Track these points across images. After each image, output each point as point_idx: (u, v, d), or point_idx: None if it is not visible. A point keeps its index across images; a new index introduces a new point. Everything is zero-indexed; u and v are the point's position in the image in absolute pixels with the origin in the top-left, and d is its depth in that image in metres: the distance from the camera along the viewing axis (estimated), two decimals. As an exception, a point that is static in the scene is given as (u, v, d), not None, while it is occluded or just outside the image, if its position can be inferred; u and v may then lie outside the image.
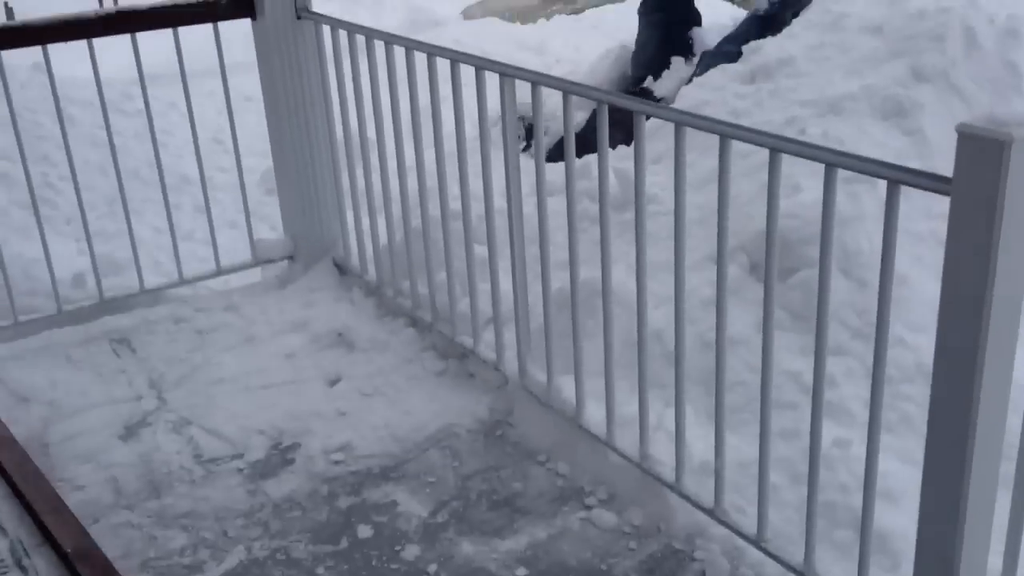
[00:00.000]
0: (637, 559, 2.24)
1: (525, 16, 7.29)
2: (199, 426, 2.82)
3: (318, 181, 3.51)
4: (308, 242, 3.58)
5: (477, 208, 2.80)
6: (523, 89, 2.48)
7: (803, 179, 2.63)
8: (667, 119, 2.17)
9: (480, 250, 2.84)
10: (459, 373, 2.96)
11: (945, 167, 1.58)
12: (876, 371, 1.79)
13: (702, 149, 2.95)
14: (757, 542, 2.09)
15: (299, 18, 3.33)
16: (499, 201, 2.69)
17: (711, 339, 2.25)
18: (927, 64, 2.81)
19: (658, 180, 3.01)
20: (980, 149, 1.49)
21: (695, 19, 5.07)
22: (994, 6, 2.97)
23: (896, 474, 2.12)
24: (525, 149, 4.52)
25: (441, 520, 2.41)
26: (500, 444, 2.68)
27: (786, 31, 3.40)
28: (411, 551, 2.31)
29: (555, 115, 2.99)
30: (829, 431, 2.13)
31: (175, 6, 3.25)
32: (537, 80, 2.45)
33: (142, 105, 3.34)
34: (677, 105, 3.38)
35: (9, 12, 7.43)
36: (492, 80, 2.55)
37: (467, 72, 2.61)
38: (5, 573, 2.12)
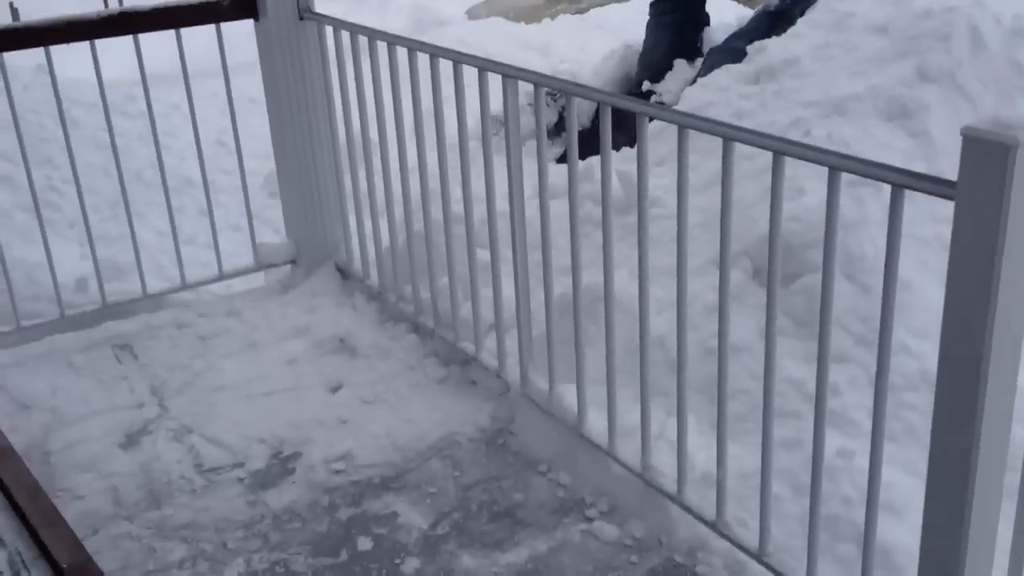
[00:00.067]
0: (638, 573, 2.22)
1: (530, 16, 7.26)
2: (200, 434, 2.80)
3: (320, 184, 3.49)
4: (310, 246, 3.56)
5: (479, 211, 2.78)
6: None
7: (807, 182, 2.60)
8: (670, 121, 2.14)
9: (482, 254, 2.82)
10: (461, 380, 2.93)
11: (950, 169, 1.55)
12: (879, 379, 1.76)
13: (706, 151, 2.92)
14: (759, 556, 2.06)
15: (302, 19, 3.31)
16: (501, 204, 2.67)
17: (713, 346, 2.23)
18: (933, 64, 2.77)
19: (661, 183, 2.98)
20: (985, 153, 1.46)
21: (705, 20, 5.02)
22: (1000, 6, 2.93)
23: (899, 486, 2.09)
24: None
25: (441, 532, 2.39)
26: (501, 453, 2.66)
27: (791, 31, 3.36)
28: (411, 564, 2.29)
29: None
30: (832, 441, 2.10)
31: (177, 7, 3.24)
32: (539, 82, 2.43)
33: (145, 107, 3.33)
34: (681, 106, 3.35)
35: (14, 12, 7.44)
36: (495, 81, 2.53)
37: (470, 73, 2.59)
38: (2, 586, 2.11)
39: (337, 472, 2.62)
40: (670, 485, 2.27)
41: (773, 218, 1.88)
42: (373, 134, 3.13)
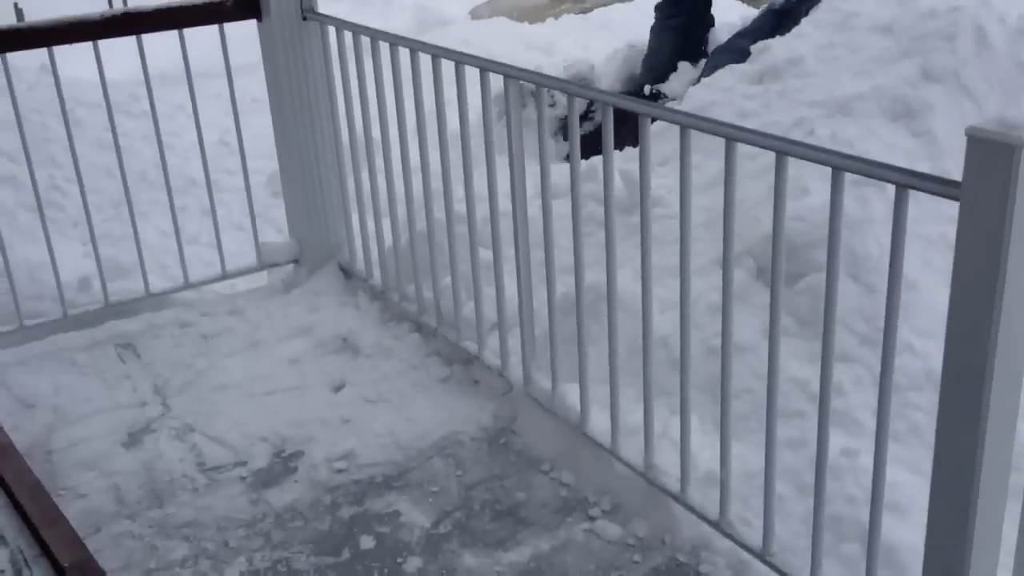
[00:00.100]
0: (641, 572, 2.21)
1: (533, 15, 7.25)
2: (202, 433, 2.80)
3: (323, 184, 3.49)
4: (313, 246, 3.56)
5: (482, 211, 2.77)
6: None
7: (811, 181, 2.59)
8: (672, 121, 2.14)
9: (484, 253, 2.82)
10: (464, 379, 2.93)
11: (955, 168, 1.55)
12: (884, 379, 1.75)
13: (709, 151, 2.92)
14: (762, 556, 2.05)
15: (305, 19, 3.32)
16: (504, 203, 2.66)
17: (717, 345, 2.22)
18: (937, 64, 2.76)
19: (665, 182, 2.98)
20: (990, 153, 1.46)
21: (710, 22, 5.01)
22: (1005, 5, 2.92)
23: (904, 485, 2.08)
24: None
25: (444, 531, 2.39)
26: (504, 452, 2.65)
27: (795, 31, 3.35)
28: (413, 563, 2.28)
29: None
30: (836, 440, 2.09)
31: (180, 8, 3.24)
32: (541, 82, 2.43)
33: (149, 107, 3.33)
34: (684, 106, 3.34)
35: (19, 13, 7.44)
36: (497, 81, 2.53)
37: (472, 73, 2.59)
38: (4, 584, 2.11)
39: (339, 471, 2.61)
40: (673, 484, 2.26)
41: (776, 218, 1.87)
42: (376, 134, 3.13)
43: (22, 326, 3.24)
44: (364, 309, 3.33)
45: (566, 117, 4.84)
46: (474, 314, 2.85)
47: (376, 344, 3.12)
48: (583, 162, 3.09)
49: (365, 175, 3.25)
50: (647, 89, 4.77)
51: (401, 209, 3.12)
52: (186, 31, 3.26)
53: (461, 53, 2.66)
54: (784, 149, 1.86)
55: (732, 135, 1.95)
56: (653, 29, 4.98)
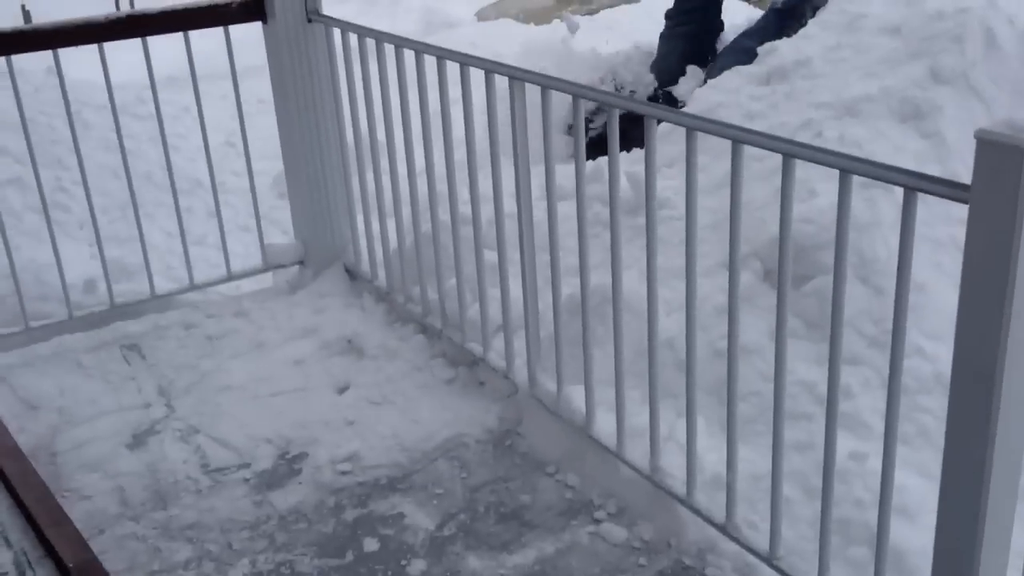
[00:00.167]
0: (647, 576, 2.21)
1: (539, 17, 7.25)
2: (207, 435, 2.80)
3: (329, 185, 3.49)
4: (319, 247, 3.56)
5: (487, 212, 2.77)
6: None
7: (819, 183, 2.58)
8: (678, 124, 2.13)
9: (490, 255, 2.81)
10: (469, 381, 2.92)
11: (964, 170, 1.54)
12: (892, 382, 1.74)
13: (716, 153, 2.90)
14: (769, 559, 2.04)
15: (310, 21, 3.31)
16: (509, 205, 2.65)
17: (723, 347, 2.21)
18: (946, 66, 2.75)
19: (671, 184, 2.97)
20: (1000, 156, 1.45)
21: (720, 27, 5.00)
22: (1014, 7, 2.91)
23: (913, 489, 2.07)
24: None
25: (448, 533, 2.38)
26: (509, 454, 2.65)
27: (802, 32, 3.34)
28: (417, 566, 2.27)
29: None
30: (844, 443, 2.08)
31: (185, 10, 3.24)
32: (547, 84, 2.42)
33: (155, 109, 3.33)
34: (691, 107, 3.33)
35: (26, 15, 7.46)
36: (502, 83, 2.52)
37: (477, 75, 2.58)
38: (8, 586, 2.11)
39: (343, 473, 2.61)
40: (679, 487, 2.25)
41: (783, 220, 1.86)
42: (381, 136, 3.13)
43: (27, 327, 3.24)
44: (369, 311, 3.33)
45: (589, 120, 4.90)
46: (479, 316, 2.84)
47: (381, 346, 3.12)
48: (589, 163, 3.08)
49: (370, 176, 3.24)
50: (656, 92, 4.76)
51: (406, 211, 3.12)
52: (194, 34, 3.26)
53: (466, 55, 2.65)
54: (791, 151, 1.84)
55: (739, 137, 1.94)
56: (662, 36, 4.98)
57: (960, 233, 1.59)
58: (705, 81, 4.01)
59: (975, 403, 1.54)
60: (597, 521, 2.37)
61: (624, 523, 2.35)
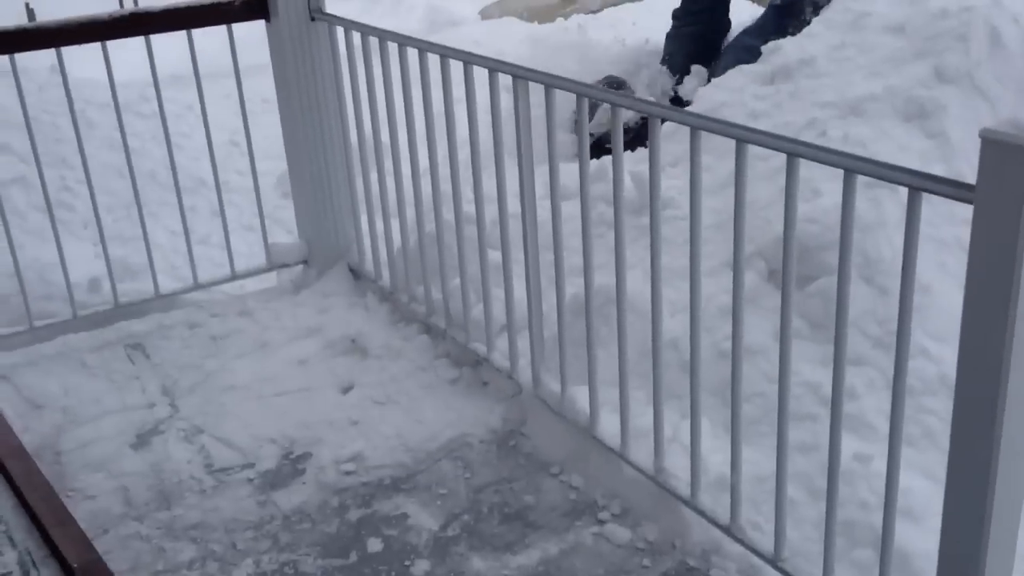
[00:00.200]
0: (651, 576, 2.20)
1: (543, 16, 7.23)
2: (211, 435, 2.80)
3: (332, 184, 3.48)
4: (323, 246, 3.55)
5: (491, 212, 2.76)
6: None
7: (823, 183, 2.57)
8: (682, 123, 2.12)
9: (494, 255, 2.81)
10: (473, 381, 2.92)
11: (969, 170, 1.53)
12: (897, 383, 1.73)
13: (720, 152, 2.89)
14: (774, 561, 2.04)
15: (313, 19, 3.31)
16: (513, 205, 2.65)
17: (727, 348, 2.21)
18: (950, 65, 2.74)
19: (676, 184, 2.96)
20: (1005, 155, 1.44)
21: (726, 27, 4.99)
22: (1019, 5, 2.89)
23: (918, 491, 2.06)
24: None
25: (452, 534, 2.38)
26: (513, 455, 2.64)
27: (806, 31, 3.33)
28: (421, 566, 2.27)
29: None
30: (849, 445, 2.07)
31: (188, 8, 3.24)
32: (550, 83, 2.41)
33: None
34: (695, 107, 3.32)
35: (31, 13, 7.45)
36: (506, 82, 2.51)
37: (481, 74, 2.58)
38: (12, 586, 2.11)
39: (347, 473, 2.60)
40: (683, 488, 2.25)
41: (788, 220, 1.86)
42: (384, 135, 3.12)
43: (32, 327, 3.24)
44: (373, 310, 3.32)
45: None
46: (483, 316, 2.84)
47: (385, 345, 3.12)
48: (593, 163, 3.07)
49: (374, 176, 3.24)
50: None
51: (410, 210, 3.11)
52: (197, 33, 3.26)
53: (469, 53, 2.65)
54: (795, 151, 1.84)
55: (743, 136, 1.93)
56: (668, 36, 4.97)
57: (965, 233, 1.59)
58: (709, 80, 4.01)
59: (980, 405, 1.53)
60: (601, 522, 2.37)
61: (628, 524, 2.35)
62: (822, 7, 3.49)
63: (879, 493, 1.89)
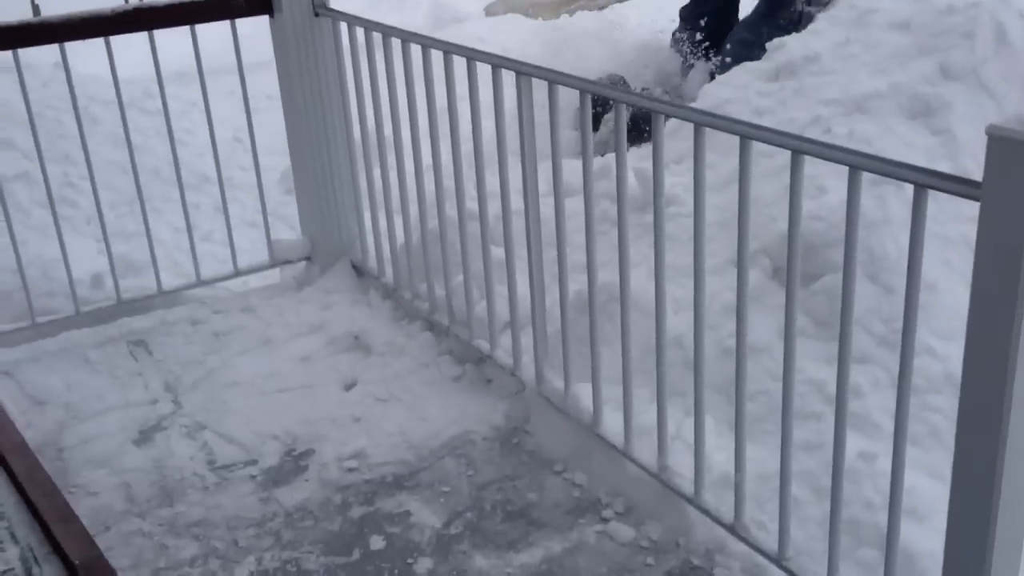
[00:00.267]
0: None
1: (547, 11, 7.23)
2: (213, 431, 2.79)
3: (335, 180, 3.48)
4: (325, 243, 3.55)
5: (494, 208, 2.75)
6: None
7: (828, 180, 2.56)
8: (686, 119, 2.11)
9: (497, 252, 2.80)
10: (476, 378, 2.91)
11: (975, 167, 1.52)
12: (902, 381, 1.72)
13: (724, 149, 2.89)
14: (778, 560, 2.03)
15: (317, 15, 3.30)
16: (517, 201, 2.64)
17: (732, 346, 2.20)
18: (956, 62, 2.73)
19: (680, 180, 2.95)
20: (1011, 152, 1.44)
21: (734, 25, 4.99)
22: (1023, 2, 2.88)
23: (923, 490, 2.05)
24: None
25: (455, 532, 2.37)
26: (516, 452, 2.64)
27: (811, 27, 3.32)
28: (423, 564, 2.27)
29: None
30: (854, 443, 2.07)
31: (192, 3, 3.23)
32: (554, 79, 2.40)
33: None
34: (699, 103, 3.31)
35: (35, 8, 7.45)
36: (509, 78, 2.50)
37: (484, 70, 2.57)
38: (14, 582, 2.11)
39: (350, 470, 2.60)
40: (687, 486, 2.24)
41: (792, 217, 1.85)
42: (388, 131, 3.12)
43: (35, 323, 3.24)
44: (376, 307, 3.32)
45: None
46: (486, 313, 2.83)
47: (388, 342, 3.11)
48: (596, 159, 3.06)
49: (377, 172, 3.23)
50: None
51: (413, 207, 3.11)
52: (201, 29, 3.25)
53: (473, 49, 2.64)
54: (800, 148, 1.83)
55: (747, 133, 1.92)
56: (674, 35, 4.97)
57: (971, 231, 1.58)
58: (713, 77, 4.00)
59: (986, 403, 1.53)
60: (605, 520, 2.37)
61: (632, 522, 2.34)
62: (831, 5, 3.48)
63: (884, 492, 1.88)
